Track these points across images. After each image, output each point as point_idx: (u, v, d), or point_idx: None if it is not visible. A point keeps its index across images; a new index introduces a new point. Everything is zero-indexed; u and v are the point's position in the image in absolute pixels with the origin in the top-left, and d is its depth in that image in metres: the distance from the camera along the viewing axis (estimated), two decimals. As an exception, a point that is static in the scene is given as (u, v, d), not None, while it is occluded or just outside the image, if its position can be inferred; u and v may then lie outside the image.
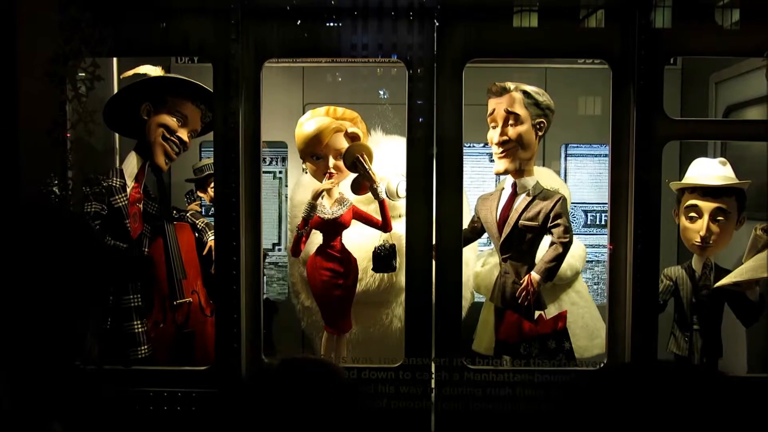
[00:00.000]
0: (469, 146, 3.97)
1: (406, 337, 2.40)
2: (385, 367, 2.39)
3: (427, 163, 2.38)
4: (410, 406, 2.36)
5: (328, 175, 2.80)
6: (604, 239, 3.99)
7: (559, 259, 2.68)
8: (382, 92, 3.71)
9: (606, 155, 3.92)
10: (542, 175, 3.06)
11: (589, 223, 3.98)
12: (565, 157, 3.94)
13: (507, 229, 2.72)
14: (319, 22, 2.35)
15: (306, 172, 2.95)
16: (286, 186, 3.94)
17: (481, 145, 3.88)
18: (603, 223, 3.98)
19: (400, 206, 3.06)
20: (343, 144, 2.80)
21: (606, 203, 3.93)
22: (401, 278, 2.95)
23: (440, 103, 2.36)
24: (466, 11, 2.33)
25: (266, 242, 4.06)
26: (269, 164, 3.95)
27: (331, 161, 2.79)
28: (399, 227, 3.09)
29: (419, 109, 2.36)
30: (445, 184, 2.40)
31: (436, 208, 2.40)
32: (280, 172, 3.95)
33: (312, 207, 2.79)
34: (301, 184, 3.23)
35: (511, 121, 2.69)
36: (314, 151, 2.78)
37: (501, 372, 2.38)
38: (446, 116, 2.36)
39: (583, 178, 3.98)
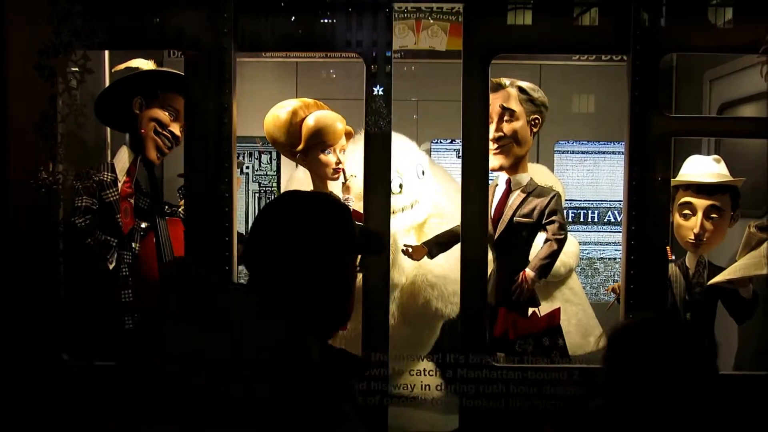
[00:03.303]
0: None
1: (363, 332, 2.39)
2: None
3: (384, 160, 2.35)
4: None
5: (340, 170, 2.77)
6: (597, 236, 4.01)
7: (553, 255, 2.67)
8: (376, 88, 3.69)
9: (600, 152, 3.96)
10: (537, 172, 3.06)
11: (587, 221, 3.98)
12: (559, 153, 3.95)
13: (501, 226, 2.72)
14: (282, 15, 2.33)
15: (298, 167, 2.92)
16: (254, 181, 3.93)
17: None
18: (594, 220, 3.98)
19: (394, 203, 3.05)
20: (344, 139, 2.80)
21: (600, 200, 3.97)
22: (394, 275, 2.94)
23: (466, 100, 2.33)
24: (491, 7, 2.31)
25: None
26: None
27: (341, 156, 2.77)
28: (392, 223, 3.08)
29: (378, 105, 2.34)
30: (469, 182, 2.37)
31: (462, 206, 2.38)
32: (247, 167, 3.94)
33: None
34: (294, 180, 3.21)
35: (506, 117, 2.68)
36: (327, 145, 2.74)
37: (495, 369, 2.37)
38: (471, 113, 2.34)
39: (579, 175, 3.98)
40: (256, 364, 0.99)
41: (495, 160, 2.73)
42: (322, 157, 2.74)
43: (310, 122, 2.71)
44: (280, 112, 2.73)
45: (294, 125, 2.71)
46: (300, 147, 2.72)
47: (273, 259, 1.13)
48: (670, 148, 2.36)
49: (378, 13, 2.32)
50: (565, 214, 2.97)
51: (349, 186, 2.76)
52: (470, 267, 2.37)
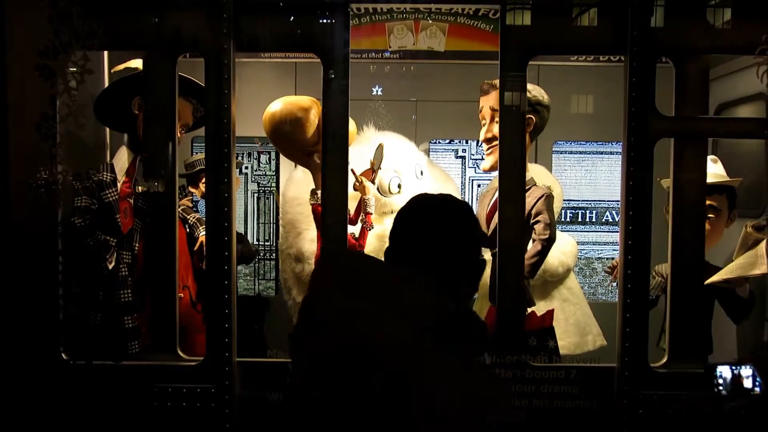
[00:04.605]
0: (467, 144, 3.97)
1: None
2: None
3: (342, 158, 2.36)
4: None
5: (350, 169, 2.77)
6: (595, 236, 4.02)
7: (539, 255, 2.69)
8: (375, 89, 3.71)
9: (598, 153, 3.97)
10: (535, 172, 3.07)
11: (585, 221, 4.00)
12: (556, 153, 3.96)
13: (492, 226, 2.73)
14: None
15: (297, 167, 2.93)
16: (253, 181, 3.94)
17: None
18: (592, 220, 4.00)
19: (391, 203, 3.06)
20: None
21: (598, 200, 3.98)
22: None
23: (503, 100, 2.34)
24: (527, 8, 2.33)
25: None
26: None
27: None
28: (391, 223, 3.09)
29: (335, 105, 2.34)
30: (506, 185, 2.37)
31: (499, 206, 2.38)
32: (246, 167, 3.95)
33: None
34: (293, 180, 3.22)
35: (496, 119, 2.70)
36: None
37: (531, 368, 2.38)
38: (508, 113, 2.34)
39: (577, 175, 3.99)
40: (401, 317, 1.19)
41: (487, 161, 2.76)
42: None
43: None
44: (293, 109, 2.69)
45: (313, 124, 2.68)
46: (319, 146, 2.71)
47: (424, 244, 1.37)
48: (706, 148, 2.38)
49: (335, 13, 2.32)
50: (555, 213, 2.98)
51: (366, 186, 2.77)
52: (506, 269, 2.38)
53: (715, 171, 2.69)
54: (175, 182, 2.39)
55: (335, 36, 2.33)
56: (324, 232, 2.38)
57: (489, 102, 2.71)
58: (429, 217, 1.42)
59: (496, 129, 2.70)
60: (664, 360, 2.37)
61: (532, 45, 2.34)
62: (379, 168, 2.85)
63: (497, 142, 2.70)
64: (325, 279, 1.32)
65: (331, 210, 2.35)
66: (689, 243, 2.38)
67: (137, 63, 2.74)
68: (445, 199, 1.47)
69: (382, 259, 1.40)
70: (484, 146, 2.77)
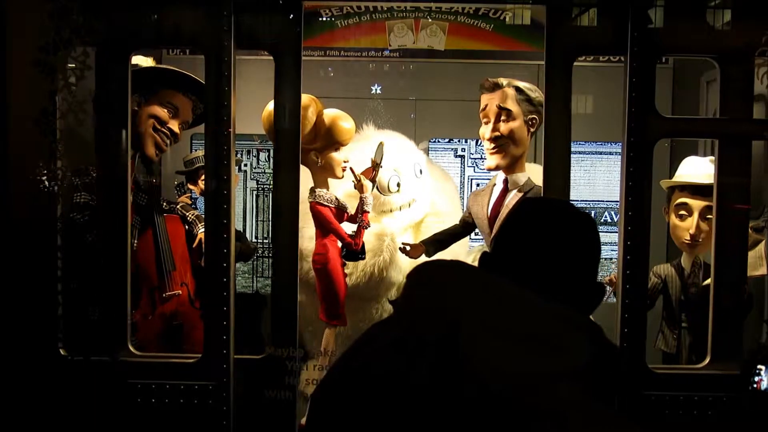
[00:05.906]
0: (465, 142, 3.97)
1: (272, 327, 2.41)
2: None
3: (294, 156, 2.35)
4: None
5: (349, 168, 2.77)
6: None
7: None
8: (374, 87, 3.71)
9: (597, 153, 3.97)
10: (534, 172, 3.07)
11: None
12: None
13: (497, 225, 2.73)
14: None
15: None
16: (252, 179, 3.94)
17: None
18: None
19: (390, 201, 3.06)
20: None
21: (596, 200, 3.98)
22: (392, 273, 2.96)
23: (549, 101, 2.32)
24: (573, 8, 2.32)
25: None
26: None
27: (344, 154, 2.78)
28: (390, 222, 3.09)
29: (287, 103, 2.34)
30: (551, 185, 2.34)
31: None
32: (245, 165, 3.95)
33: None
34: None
35: (503, 117, 2.69)
36: (342, 144, 2.75)
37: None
38: (554, 114, 2.32)
39: (576, 176, 4.00)
40: (571, 377, 1.02)
41: (492, 160, 2.74)
42: (335, 155, 2.73)
43: (327, 120, 2.70)
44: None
45: (311, 121, 2.66)
46: (317, 144, 2.71)
47: (546, 260, 1.22)
48: (750, 149, 2.36)
49: (288, 11, 2.30)
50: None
51: (364, 185, 2.76)
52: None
53: (713, 172, 2.69)
54: (127, 172, 2.36)
55: (287, 34, 2.31)
56: (275, 226, 2.36)
57: (495, 100, 2.69)
58: (555, 229, 1.24)
59: (502, 127, 2.68)
60: (707, 361, 2.37)
61: (581, 45, 2.33)
62: (380, 165, 2.85)
63: (503, 141, 2.70)
64: (466, 306, 1.09)
65: (283, 204, 2.34)
66: (732, 249, 2.37)
67: (137, 59, 2.73)
68: (572, 210, 1.29)
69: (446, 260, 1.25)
70: (488, 145, 2.74)
